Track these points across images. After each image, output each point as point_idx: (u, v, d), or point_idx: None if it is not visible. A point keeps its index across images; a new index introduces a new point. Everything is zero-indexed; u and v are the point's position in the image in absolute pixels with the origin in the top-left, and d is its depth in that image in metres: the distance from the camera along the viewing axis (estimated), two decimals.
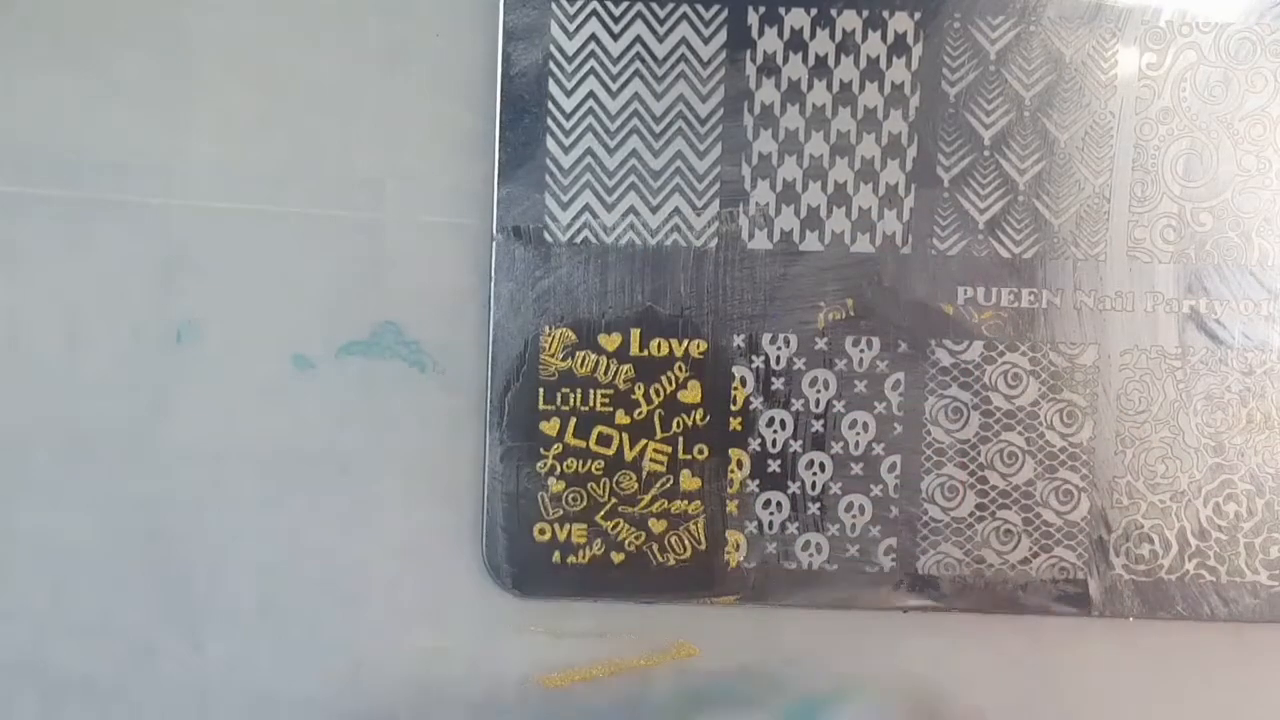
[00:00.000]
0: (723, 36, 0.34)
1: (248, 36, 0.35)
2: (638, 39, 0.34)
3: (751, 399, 0.35)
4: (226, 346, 0.36)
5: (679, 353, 0.35)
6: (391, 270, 0.35)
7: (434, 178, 0.35)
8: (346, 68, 0.35)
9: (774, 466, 0.35)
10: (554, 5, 0.34)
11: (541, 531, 0.35)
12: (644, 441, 0.35)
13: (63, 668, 0.36)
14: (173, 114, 0.35)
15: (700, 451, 0.35)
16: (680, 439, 0.35)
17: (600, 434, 0.35)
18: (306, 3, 0.35)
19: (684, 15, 0.34)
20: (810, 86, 0.35)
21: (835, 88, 0.35)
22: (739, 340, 0.35)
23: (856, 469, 0.35)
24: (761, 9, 0.34)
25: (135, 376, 0.36)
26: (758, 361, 0.35)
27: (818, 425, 0.35)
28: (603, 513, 0.35)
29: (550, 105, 0.35)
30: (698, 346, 0.35)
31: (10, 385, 0.36)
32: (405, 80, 0.35)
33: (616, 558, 0.35)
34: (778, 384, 0.35)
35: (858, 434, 0.35)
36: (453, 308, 0.35)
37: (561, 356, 0.35)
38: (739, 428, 0.35)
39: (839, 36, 0.34)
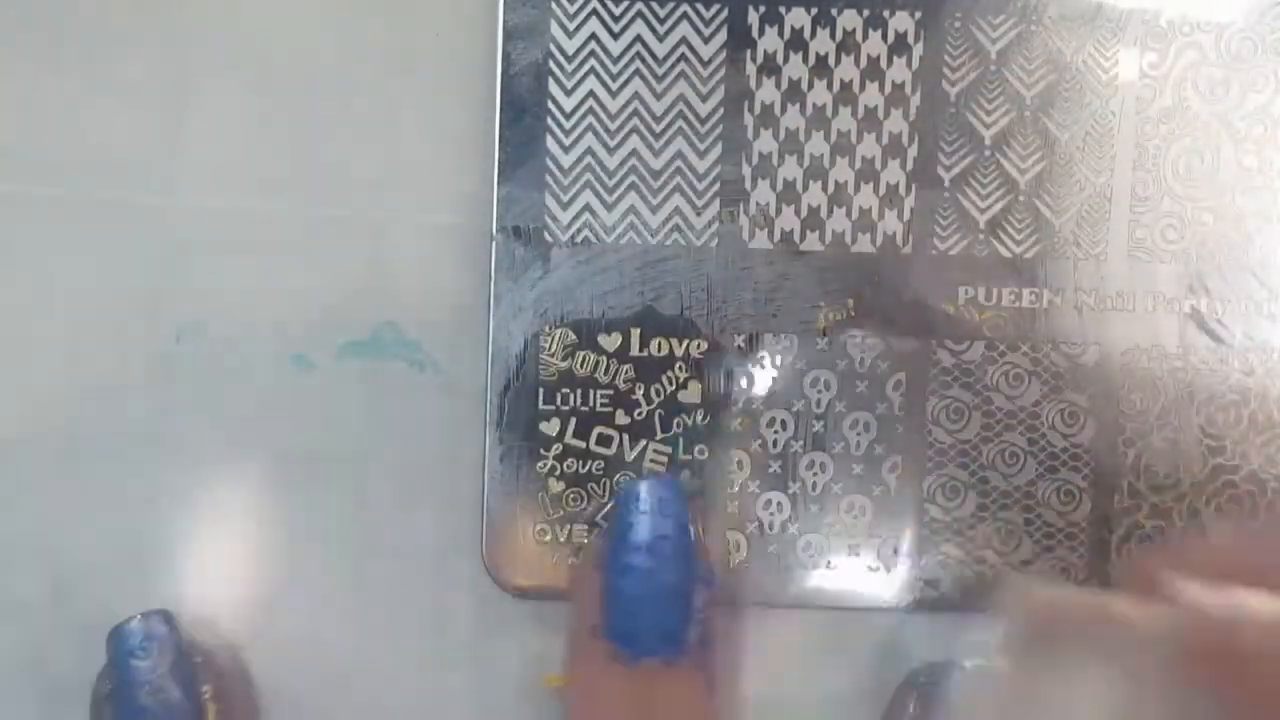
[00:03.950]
0: (723, 36, 0.34)
1: (247, 36, 0.35)
2: (638, 38, 0.34)
3: (752, 399, 0.35)
4: (226, 346, 0.36)
5: (679, 353, 0.35)
6: (391, 270, 0.35)
7: (434, 178, 0.35)
8: (346, 68, 0.35)
9: (775, 467, 0.35)
10: (554, 4, 0.34)
11: (541, 532, 0.35)
12: (644, 442, 0.35)
13: (62, 669, 0.36)
14: (173, 114, 0.35)
15: (701, 452, 0.35)
16: (680, 439, 0.35)
17: (600, 434, 0.35)
18: (306, 3, 0.35)
19: (684, 14, 0.34)
20: (811, 86, 0.35)
21: (836, 87, 0.35)
22: (739, 340, 0.35)
23: (857, 469, 0.35)
24: (762, 8, 0.34)
25: (135, 376, 0.36)
26: (758, 361, 0.35)
27: (818, 425, 0.35)
28: (603, 513, 0.35)
29: (550, 105, 0.35)
30: (698, 346, 0.35)
31: (10, 385, 0.36)
32: (405, 80, 0.35)
33: None
34: (778, 384, 0.35)
35: (859, 434, 0.35)
36: (453, 308, 0.35)
37: (561, 357, 0.35)
38: (739, 428, 0.35)
39: (839, 36, 0.34)
